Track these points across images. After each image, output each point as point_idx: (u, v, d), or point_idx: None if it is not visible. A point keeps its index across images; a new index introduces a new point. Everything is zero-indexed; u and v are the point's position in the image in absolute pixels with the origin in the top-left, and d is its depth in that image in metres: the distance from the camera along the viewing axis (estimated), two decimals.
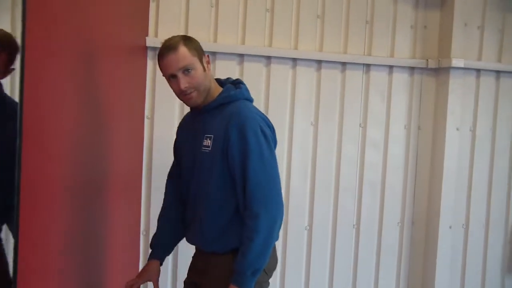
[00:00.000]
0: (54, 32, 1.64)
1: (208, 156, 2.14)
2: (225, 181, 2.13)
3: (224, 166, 2.11)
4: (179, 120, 3.17)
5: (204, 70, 2.15)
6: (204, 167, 2.16)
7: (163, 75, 2.17)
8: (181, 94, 2.14)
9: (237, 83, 2.28)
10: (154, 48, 3.12)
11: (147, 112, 3.17)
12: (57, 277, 1.77)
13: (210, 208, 2.16)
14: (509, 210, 3.83)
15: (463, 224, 3.72)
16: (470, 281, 3.75)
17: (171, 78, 2.13)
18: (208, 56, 2.21)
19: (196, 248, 2.35)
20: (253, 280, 2.06)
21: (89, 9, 2.04)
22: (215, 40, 3.22)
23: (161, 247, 2.40)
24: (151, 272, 2.35)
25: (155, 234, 2.44)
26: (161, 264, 2.39)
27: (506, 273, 3.85)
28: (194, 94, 2.14)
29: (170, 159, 3.18)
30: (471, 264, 3.76)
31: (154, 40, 3.11)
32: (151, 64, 3.15)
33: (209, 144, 2.14)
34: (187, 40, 2.14)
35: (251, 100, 2.27)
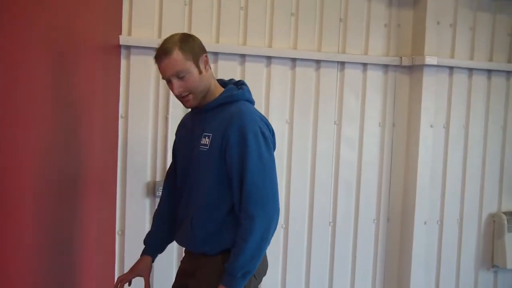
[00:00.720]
0: (23, 29, 1.62)
1: (205, 155, 2.12)
2: (221, 180, 2.11)
3: (221, 165, 2.10)
4: (154, 119, 3.18)
5: (200, 72, 2.12)
6: (201, 165, 2.15)
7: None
8: (178, 97, 2.15)
9: (240, 84, 2.27)
10: (127, 47, 3.11)
11: (121, 111, 3.15)
12: (29, 278, 1.75)
13: (203, 207, 2.14)
14: (482, 206, 3.88)
15: (437, 220, 3.76)
16: (444, 276, 3.80)
17: (168, 81, 2.13)
18: (206, 56, 2.16)
19: (185, 251, 2.33)
20: (242, 283, 2.04)
21: (60, 6, 2.02)
22: None
23: (154, 245, 2.39)
24: (143, 268, 2.34)
25: (149, 232, 2.43)
26: (152, 261, 2.38)
27: (480, 267, 3.90)
28: (190, 97, 2.13)
29: (144, 158, 3.17)
30: (445, 259, 3.80)
31: (128, 38, 3.09)
32: (125, 63, 3.13)
33: (207, 143, 2.12)
34: (184, 42, 2.10)
35: (252, 102, 2.26)
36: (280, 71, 3.39)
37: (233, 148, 2.07)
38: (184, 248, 2.36)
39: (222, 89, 2.21)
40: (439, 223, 3.77)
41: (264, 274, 2.28)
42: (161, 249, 2.43)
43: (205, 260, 2.15)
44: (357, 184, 3.62)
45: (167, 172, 2.48)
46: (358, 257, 3.65)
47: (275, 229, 2.09)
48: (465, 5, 3.73)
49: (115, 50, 3.06)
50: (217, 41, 3.27)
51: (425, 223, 3.64)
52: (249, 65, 3.31)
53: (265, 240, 2.05)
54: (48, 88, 1.89)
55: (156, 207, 2.51)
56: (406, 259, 3.64)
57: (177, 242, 2.34)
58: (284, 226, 3.46)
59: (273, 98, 3.38)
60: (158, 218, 2.43)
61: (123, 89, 3.15)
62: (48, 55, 1.89)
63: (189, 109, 2.32)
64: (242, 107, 2.16)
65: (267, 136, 2.13)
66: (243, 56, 3.30)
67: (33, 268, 1.79)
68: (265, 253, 2.18)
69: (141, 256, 2.38)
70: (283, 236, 3.47)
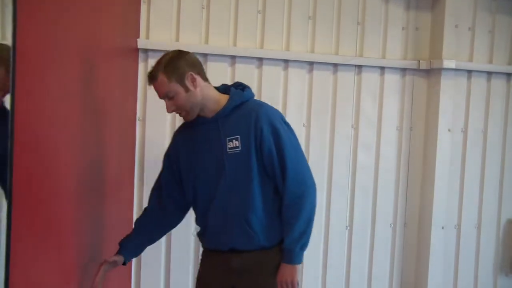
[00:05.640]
0: (45, 34, 1.63)
1: (240, 156, 2.23)
2: (261, 173, 2.25)
3: (259, 161, 2.24)
4: (171, 122, 3.18)
5: (188, 90, 2.22)
6: (237, 168, 2.24)
7: None
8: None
9: (238, 86, 2.37)
10: (145, 50, 3.11)
11: (139, 114, 3.15)
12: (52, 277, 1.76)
13: (254, 204, 2.24)
14: (500, 211, 3.84)
15: (455, 225, 3.72)
16: (462, 282, 3.76)
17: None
18: (191, 74, 2.22)
19: (218, 250, 2.33)
20: (302, 255, 2.24)
21: (80, 11, 2.03)
22: (206, 42, 3.22)
23: (131, 249, 2.41)
24: (112, 260, 2.33)
25: (129, 236, 2.43)
26: (124, 264, 2.39)
27: (498, 273, 3.86)
28: (183, 114, 2.28)
29: (161, 160, 3.17)
30: (463, 264, 3.76)
31: (146, 42, 3.10)
32: (143, 66, 3.13)
33: (237, 145, 2.24)
34: (168, 66, 2.21)
35: None
36: (297, 74, 3.38)
37: (268, 139, 2.22)
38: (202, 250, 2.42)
39: (226, 96, 2.31)
40: (456, 228, 3.74)
41: None
42: (136, 255, 2.52)
43: (263, 254, 2.27)
44: (374, 188, 3.60)
45: (156, 182, 2.49)
46: (374, 262, 3.62)
47: (316, 202, 2.31)
48: (484, 8, 3.70)
49: (133, 53, 3.08)
50: (235, 44, 3.27)
51: (442, 228, 3.61)
52: (266, 68, 3.31)
53: (313, 213, 2.27)
54: (67, 91, 1.90)
55: None
56: (423, 264, 3.61)
57: (216, 246, 2.35)
58: None
59: (290, 101, 3.38)
60: (142, 224, 2.46)
61: (141, 92, 3.15)
62: (67, 59, 1.90)
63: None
64: (259, 103, 2.37)
65: (288, 123, 2.34)
66: (260, 59, 3.30)
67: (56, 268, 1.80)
68: None
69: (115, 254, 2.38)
70: None
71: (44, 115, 1.65)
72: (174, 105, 2.23)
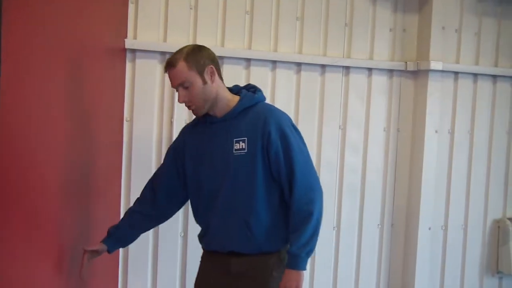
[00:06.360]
0: (31, 34, 1.62)
1: (245, 158, 2.23)
2: (267, 177, 2.24)
3: (265, 164, 2.24)
4: (158, 123, 3.18)
5: (205, 83, 2.22)
6: (242, 170, 2.24)
7: None
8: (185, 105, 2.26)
9: (250, 88, 2.39)
10: (132, 50, 3.11)
11: (126, 115, 3.15)
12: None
13: (256, 207, 2.24)
14: (487, 211, 3.87)
15: (442, 226, 3.74)
16: (449, 282, 3.78)
17: (176, 90, 2.25)
18: (212, 67, 2.25)
19: (218, 252, 2.33)
20: (306, 261, 2.22)
21: (66, 11, 2.02)
22: (194, 43, 3.21)
23: (117, 237, 2.40)
24: (91, 250, 2.32)
25: (117, 224, 2.44)
26: (109, 252, 2.39)
27: (485, 274, 3.88)
28: (193, 107, 2.25)
29: (149, 161, 3.17)
30: (450, 265, 3.78)
31: (133, 42, 3.09)
32: (130, 67, 3.13)
33: (243, 147, 2.24)
34: (190, 55, 2.22)
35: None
36: (285, 75, 3.39)
37: (275, 143, 2.22)
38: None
39: (237, 97, 2.31)
40: (443, 228, 3.76)
41: None
42: (124, 245, 2.53)
43: (263, 259, 2.27)
44: (361, 188, 3.61)
45: (155, 173, 2.49)
46: (362, 262, 3.63)
47: (323, 208, 2.31)
48: (471, 10, 3.73)
49: (121, 53, 3.07)
50: (222, 45, 3.27)
51: (429, 228, 3.63)
52: (254, 69, 3.31)
53: (320, 219, 2.25)
54: (54, 91, 1.89)
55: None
56: (410, 264, 3.63)
57: (214, 248, 2.35)
58: None
59: (278, 102, 3.37)
60: (133, 215, 2.44)
61: (128, 92, 3.14)
62: (54, 58, 1.89)
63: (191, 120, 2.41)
64: (268, 106, 2.36)
65: (297, 127, 2.34)
66: (248, 60, 3.30)
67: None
68: None
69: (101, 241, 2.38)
70: None
71: (30, 114, 1.65)
72: (187, 96, 2.21)
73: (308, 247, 2.21)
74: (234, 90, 2.37)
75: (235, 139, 2.25)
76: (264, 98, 2.38)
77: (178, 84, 2.21)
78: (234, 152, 2.24)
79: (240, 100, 2.29)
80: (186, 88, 2.20)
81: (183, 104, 2.28)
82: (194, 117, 2.41)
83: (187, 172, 2.37)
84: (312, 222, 2.21)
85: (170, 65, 2.21)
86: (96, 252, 2.34)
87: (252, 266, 2.27)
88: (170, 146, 2.50)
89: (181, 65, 2.18)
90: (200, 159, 2.33)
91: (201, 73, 2.21)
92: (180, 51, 2.24)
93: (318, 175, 2.32)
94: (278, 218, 2.27)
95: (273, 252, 2.28)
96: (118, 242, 2.43)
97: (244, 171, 2.24)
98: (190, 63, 2.19)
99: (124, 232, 2.42)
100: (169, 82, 2.28)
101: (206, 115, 2.30)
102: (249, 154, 2.23)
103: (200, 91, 2.21)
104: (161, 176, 2.44)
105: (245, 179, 2.24)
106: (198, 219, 2.42)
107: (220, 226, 2.30)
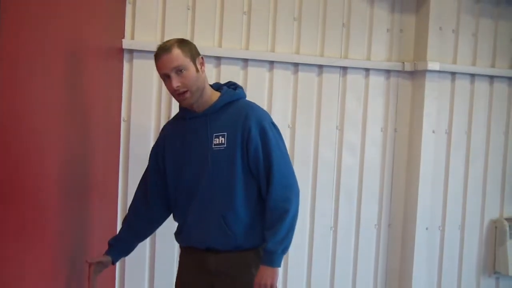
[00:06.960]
0: (29, 34, 1.62)
1: (224, 153, 2.23)
2: (246, 172, 2.24)
3: (244, 159, 2.24)
4: (156, 123, 3.18)
5: (198, 71, 2.23)
6: (221, 165, 2.24)
7: (160, 75, 2.25)
8: (175, 93, 2.22)
9: (231, 85, 2.39)
10: (130, 51, 3.11)
11: (123, 115, 3.15)
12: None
13: (234, 202, 2.23)
14: (484, 212, 3.87)
15: (439, 226, 3.75)
16: (446, 282, 3.78)
17: (166, 78, 2.21)
18: (202, 58, 2.27)
19: (196, 249, 2.32)
20: (282, 258, 2.21)
21: (64, 11, 2.03)
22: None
23: (119, 248, 2.41)
24: (97, 262, 2.33)
25: (117, 235, 2.45)
26: (113, 264, 2.40)
27: (481, 274, 3.89)
28: (187, 94, 2.21)
29: (146, 161, 3.17)
30: (447, 265, 3.79)
31: (131, 42, 3.10)
32: (128, 67, 3.14)
33: (222, 142, 2.24)
34: (182, 43, 2.22)
35: None
36: (282, 75, 3.40)
37: (255, 139, 2.22)
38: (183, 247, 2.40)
39: (217, 93, 2.32)
40: (440, 229, 3.76)
41: None
42: (126, 254, 2.49)
43: (241, 255, 2.26)
44: (359, 188, 3.62)
45: (142, 178, 2.48)
46: (359, 263, 3.64)
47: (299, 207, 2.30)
48: (468, 11, 3.74)
49: (118, 54, 3.07)
50: (220, 46, 3.27)
51: (426, 229, 3.64)
52: (252, 69, 3.32)
53: (296, 216, 2.25)
54: (51, 91, 1.89)
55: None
56: (408, 264, 3.63)
57: (190, 243, 2.34)
58: None
59: (275, 102, 3.39)
60: (130, 223, 2.45)
61: (126, 92, 3.15)
62: (52, 58, 1.89)
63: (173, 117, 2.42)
64: (249, 103, 2.35)
65: (276, 126, 2.33)
66: (245, 60, 3.31)
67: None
68: None
69: (104, 254, 2.38)
70: None
71: (28, 115, 1.65)
72: (181, 81, 2.18)
73: (284, 244, 2.21)
74: (215, 87, 2.36)
75: (214, 134, 2.25)
76: (245, 95, 2.39)
77: (173, 68, 2.17)
78: (213, 147, 2.24)
79: (221, 96, 2.30)
80: (180, 73, 2.17)
81: (179, 104, 2.29)
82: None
83: (167, 168, 2.36)
84: (288, 220, 2.21)
85: (164, 49, 2.18)
86: (101, 264, 2.34)
87: (230, 263, 2.26)
88: (152, 147, 2.48)
89: (176, 51, 2.17)
90: (180, 154, 2.33)
91: (194, 61, 2.22)
92: (169, 40, 2.23)
93: (295, 175, 2.32)
94: (256, 215, 2.27)
95: (251, 249, 2.27)
96: (121, 251, 2.43)
97: (222, 166, 2.23)
98: (185, 50, 2.20)
99: (125, 241, 2.42)
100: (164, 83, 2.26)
101: (187, 110, 2.30)
102: (228, 149, 2.23)
103: (194, 77, 2.20)
104: (149, 176, 2.43)
105: (223, 174, 2.23)
106: (176, 214, 2.41)
107: (197, 221, 2.28)
